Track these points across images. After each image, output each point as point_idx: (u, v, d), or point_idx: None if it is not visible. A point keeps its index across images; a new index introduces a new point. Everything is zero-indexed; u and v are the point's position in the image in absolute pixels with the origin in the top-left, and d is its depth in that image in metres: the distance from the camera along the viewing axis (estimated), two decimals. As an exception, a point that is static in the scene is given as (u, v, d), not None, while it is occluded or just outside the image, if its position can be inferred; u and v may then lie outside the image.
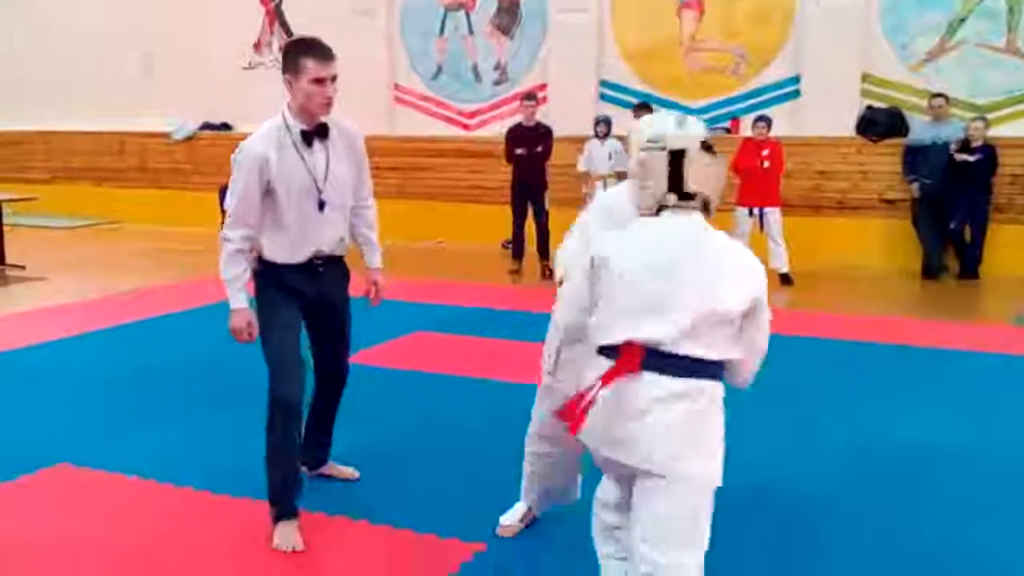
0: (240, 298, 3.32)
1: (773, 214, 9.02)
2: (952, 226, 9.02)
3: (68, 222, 13.01)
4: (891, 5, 9.75)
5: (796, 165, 9.71)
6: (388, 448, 4.31)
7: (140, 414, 4.84)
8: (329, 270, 3.51)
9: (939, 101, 9.04)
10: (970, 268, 9.07)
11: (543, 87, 11.35)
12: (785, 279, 8.93)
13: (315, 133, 3.35)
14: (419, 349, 6.32)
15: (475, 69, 12.07)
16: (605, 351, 2.40)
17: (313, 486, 3.73)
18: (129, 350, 6.28)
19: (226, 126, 13.36)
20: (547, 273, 9.31)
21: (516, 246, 9.59)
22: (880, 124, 9.39)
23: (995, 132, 9.12)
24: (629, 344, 2.33)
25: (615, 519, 2.61)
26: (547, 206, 9.48)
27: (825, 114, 9.72)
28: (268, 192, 3.28)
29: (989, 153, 8.83)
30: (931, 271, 9.08)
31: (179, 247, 11.04)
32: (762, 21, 10.35)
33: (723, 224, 8.96)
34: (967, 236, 9.11)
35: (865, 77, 9.84)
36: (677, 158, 2.39)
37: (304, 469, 3.67)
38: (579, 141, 10.01)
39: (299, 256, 3.40)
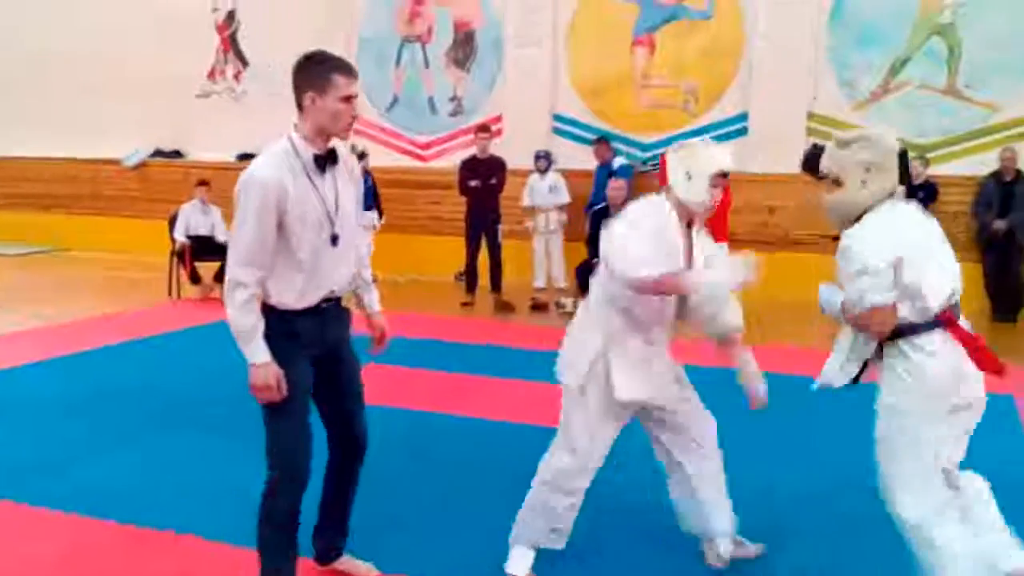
0: (264, 349, 2.86)
1: (722, 249, 9.15)
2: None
3: (17, 249, 12.82)
4: (836, 45, 10.04)
5: (744, 201, 9.91)
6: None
7: (91, 442, 4.80)
8: (337, 314, 3.12)
9: (881, 140, 9.28)
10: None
11: (498, 119, 11.48)
12: (731, 312, 9.08)
13: (327, 158, 2.98)
14: (369, 382, 6.29)
15: (431, 101, 12.18)
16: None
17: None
18: (81, 378, 6.21)
19: (178, 153, 13.30)
20: (499, 306, 9.37)
21: (469, 278, 9.65)
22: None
23: (934, 171, 9.41)
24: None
25: None
26: (500, 239, 9.56)
27: (772, 151, 9.96)
28: (280, 226, 2.87)
29: (930, 191, 9.10)
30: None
31: (131, 275, 10.93)
32: (711, 59, 10.59)
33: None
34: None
35: (811, 116, 10.12)
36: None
37: (313, 561, 3.34)
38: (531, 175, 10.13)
39: (311, 299, 2.98)
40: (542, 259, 9.83)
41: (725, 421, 3.63)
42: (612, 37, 11.01)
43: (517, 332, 8.25)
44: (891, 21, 9.80)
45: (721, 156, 3.30)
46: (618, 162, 9.96)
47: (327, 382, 3.14)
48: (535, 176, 9.98)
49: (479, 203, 9.45)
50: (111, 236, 13.00)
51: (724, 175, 3.31)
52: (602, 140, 10.24)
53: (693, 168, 3.23)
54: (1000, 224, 8.83)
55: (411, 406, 5.61)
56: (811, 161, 4.71)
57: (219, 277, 9.72)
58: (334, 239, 2.98)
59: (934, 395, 2.87)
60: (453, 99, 12.07)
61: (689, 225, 3.37)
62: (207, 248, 9.71)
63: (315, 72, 2.94)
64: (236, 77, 13.07)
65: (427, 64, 12.13)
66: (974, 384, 2.92)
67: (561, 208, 9.86)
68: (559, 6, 11.21)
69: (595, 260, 8.49)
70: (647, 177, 10.57)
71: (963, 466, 3.71)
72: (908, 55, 9.80)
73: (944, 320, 2.89)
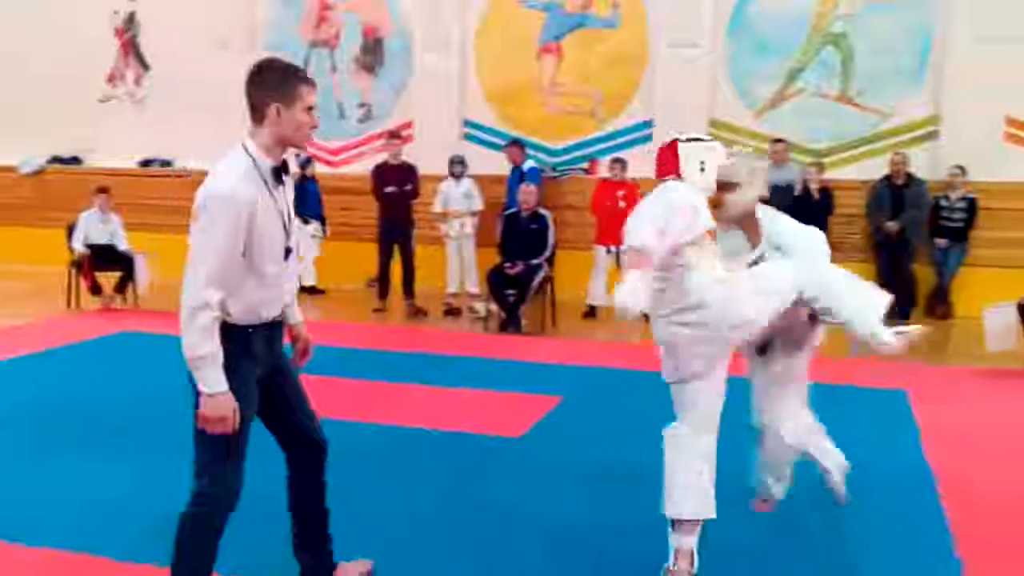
0: (222, 378, 2.71)
1: (630, 252, 9.36)
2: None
3: (-99, 260, 12.20)
4: (736, 54, 10.37)
5: (651, 205, 10.13)
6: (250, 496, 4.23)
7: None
8: (279, 327, 3.04)
9: (779, 146, 9.62)
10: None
11: (408, 125, 11.48)
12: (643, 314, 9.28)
13: (283, 169, 2.90)
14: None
15: (340, 107, 12.09)
16: None
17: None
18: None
19: (76, 160, 12.87)
20: (412, 311, 9.37)
21: (382, 284, 9.61)
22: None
23: (829, 175, 9.81)
24: None
25: None
26: (414, 243, 9.56)
27: (677, 157, 10.20)
28: (246, 242, 2.76)
29: (826, 197, 9.48)
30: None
31: (27, 286, 10.52)
32: (617, 67, 10.81)
33: (581, 262, 9.26)
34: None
35: (712, 123, 10.42)
36: None
37: None
38: (443, 180, 10.15)
39: (268, 314, 2.90)
40: (455, 264, 9.86)
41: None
42: (520, 44, 11.13)
43: (431, 337, 8.27)
44: (786, 31, 10.17)
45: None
46: (528, 165, 10.06)
47: (275, 396, 3.04)
48: (449, 181, 10.01)
49: (393, 209, 9.43)
50: (6, 246, 12.48)
51: None
52: (515, 143, 10.33)
53: (709, 161, 3.37)
54: (892, 225, 9.26)
55: (324, 415, 5.55)
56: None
57: (120, 288, 9.46)
58: (287, 252, 2.92)
59: None
60: (362, 105, 12.01)
61: None
62: (107, 258, 9.43)
63: (279, 82, 2.86)
64: (137, 82, 12.73)
65: (335, 69, 12.05)
66: None
67: (475, 214, 9.91)
68: (467, 13, 11.27)
69: (507, 264, 8.62)
70: (558, 182, 10.74)
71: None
72: (803, 64, 10.19)
73: None
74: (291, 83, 2.84)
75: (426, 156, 10.50)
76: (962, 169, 9.32)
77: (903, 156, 9.51)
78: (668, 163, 3.39)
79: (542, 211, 9.00)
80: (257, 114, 2.85)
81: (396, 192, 9.34)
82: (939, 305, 9.43)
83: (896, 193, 9.44)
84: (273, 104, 2.83)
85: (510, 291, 8.64)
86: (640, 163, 10.38)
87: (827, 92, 10.16)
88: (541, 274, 8.69)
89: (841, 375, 6.87)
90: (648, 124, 10.67)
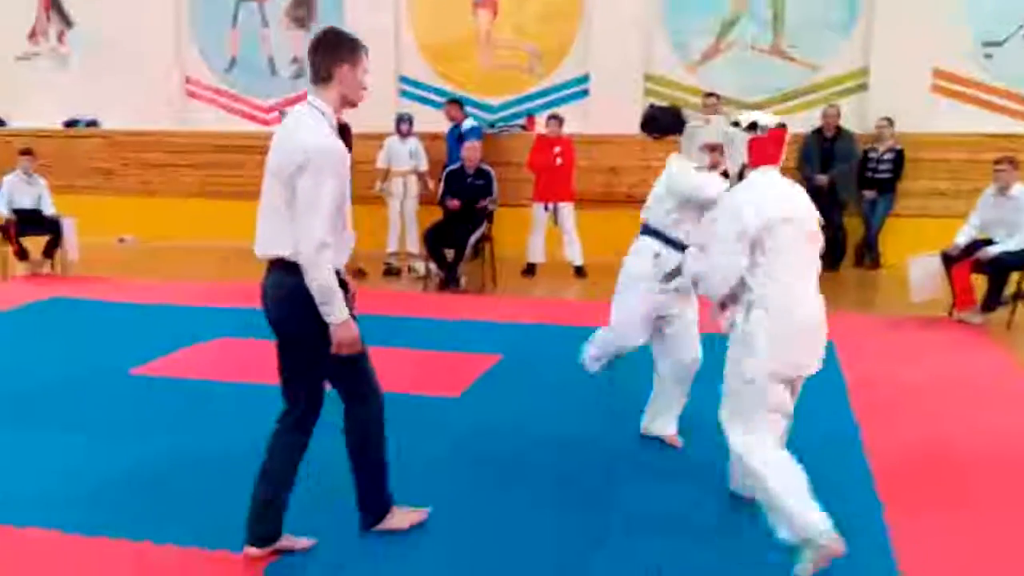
0: (346, 309, 3.09)
1: (566, 208, 9.42)
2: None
3: None
4: (669, 8, 10.38)
5: (587, 161, 10.18)
6: (193, 462, 4.22)
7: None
8: None
9: (711, 100, 9.71)
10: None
11: (342, 82, 11.29)
12: (579, 271, 9.38)
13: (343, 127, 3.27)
14: (223, 356, 6.18)
15: (271, 62, 11.84)
16: None
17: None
18: None
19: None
20: (351, 272, 9.29)
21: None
22: (660, 121, 9.97)
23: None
24: None
25: None
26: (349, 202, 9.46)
27: (613, 112, 10.24)
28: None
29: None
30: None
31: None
32: (552, 21, 10.75)
33: (520, 219, 9.24)
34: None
35: (648, 77, 10.46)
36: None
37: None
38: (379, 138, 10.02)
39: (345, 259, 3.27)
40: (396, 224, 9.77)
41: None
42: (454, -1, 11.00)
43: (370, 298, 8.21)
44: (719, -16, 10.22)
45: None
46: (468, 124, 9.99)
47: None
48: (394, 139, 9.88)
49: (326, 168, 9.30)
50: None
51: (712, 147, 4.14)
52: (454, 101, 10.23)
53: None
54: (822, 179, 9.43)
55: (260, 379, 5.52)
56: (650, 122, 4.94)
57: (48, 252, 9.22)
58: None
59: None
60: (295, 61, 11.77)
61: None
62: (33, 222, 9.17)
63: (347, 46, 3.19)
64: (60, 38, 12.29)
65: (265, 23, 11.77)
66: None
67: (420, 174, 9.82)
68: (400, -35, 11.09)
69: (448, 198, 8.54)
70: (496, 138, 10.69)
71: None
72: (735, 17, 10.25)
73: None
74: (356, 47, 3.21)
75: (360, 113, 10.31)
76: (890, 121, 9.51)
77: (836, 109, 9.67)
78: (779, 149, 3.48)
79: (485, 167, 8.98)
80: (325, 74, 3.17)
81: (327, 150, 9.20)
82: (867, 255, 9.68)
83: (826, 146, 9.61)
84: (344, 65, 3.16)
85: (448, 249, 8.64)
86: (577, 119, 10.43)
87: (760, 45, 10.25)
88: (479, 231, 8.69)
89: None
90: (584, 79, 10.67)
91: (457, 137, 9.78)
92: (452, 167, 9.05)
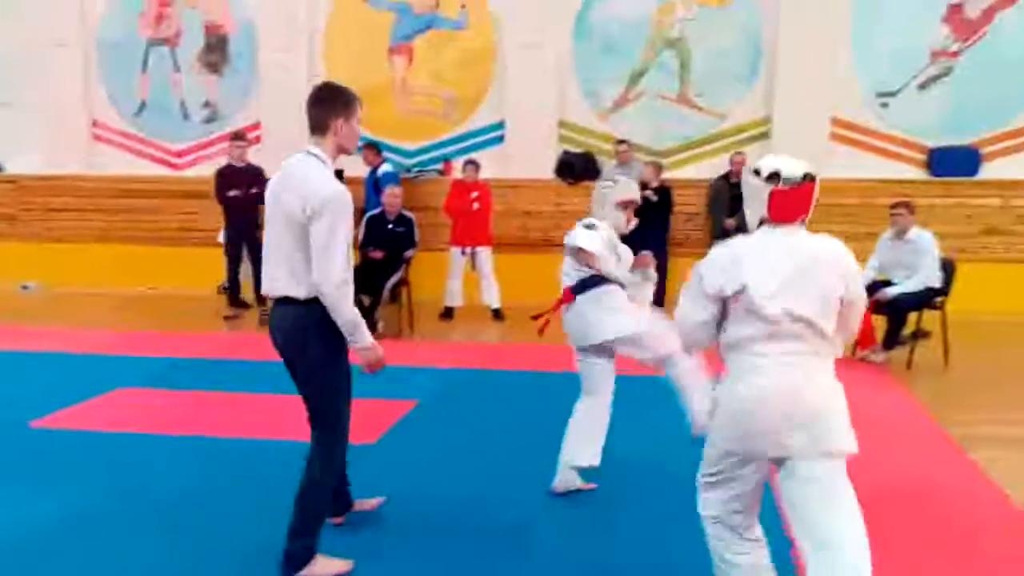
0: (369, 334, 3.43)
1: (484, 252, 9.49)
2: (637, 261, 10.00)
3: None
4: (581, 57, 10.65)
5: (504, 206, 10.30)
6: (87, 519, 4.08)
7: None
8: None
9: (623, 147, 9.95)
10: (657, 299, 10.03)
11: (256, 127, 11.22)
12: (497, 314, 9.43)
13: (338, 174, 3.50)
14: (121, 408, 5.97)
15: (183, 106, 11.69)
16: None
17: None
18: None
19: None
20: (265, 318, 9.15)
21: (232, 291, 9.36)
22: (575, 167, 10.23)
23: (671, 175, 10.22)
24: None
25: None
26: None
27: (528, 158, 10.42)
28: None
29: (665, 194, 9.87)
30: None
31: None
32: (467, 68, 10.91)
33: (437, 263, 9.24)
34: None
35: (562, 123, 10.67)
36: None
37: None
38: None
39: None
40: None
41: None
42: (369, 44, 11.07)
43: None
44: (628, 35, 10.54)
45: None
46: (384, 168, 10.00)
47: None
48: None
49: (240, 213, 9.19)
50: None
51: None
52: (370, 145, 10.24)
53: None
54: (731, 222, 9.72)
55: (175, 431, 5.40)
56: (564, 167, 5.06)
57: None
58: None
59: None
60: (207, 105, 11.65)
61: None
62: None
63: (342, 99, 3.47)
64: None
65: (177, 68, 11.64)
66: None
67: None
68: (314, 12, 11.11)
69: (370, 249, 8.45)
70: (413, 183, 10.73)
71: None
72: (645, 67, 10.58)
73: None
74: (352, 100, 3.49)
75: (276, 158, 10.26)
76: (793, 168, 9.87)
77: (743, 156, 10.00)
78: (806, 204, 2.95)
79: (407, 213, 8.99)
80: (322, 127, 3.45)
81: (241, 196, 9.10)
82: (775, 296, 9.96)
83: (734, 191, 9.90)
84: (339, 119, 3.43)
85: (365, 295, 8.58)
86: (494, 164, 10.56)
87: (668, 94, 10.58)
88: (397, 276, 8.67)
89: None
90: (500, 125, 10.82)
91: (374, 182, 9.78)
92: (373, 213, 8.98)
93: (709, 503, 3.05)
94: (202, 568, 3.59)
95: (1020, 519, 4.15)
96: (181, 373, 6.86)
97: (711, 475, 3.02)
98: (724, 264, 2.91)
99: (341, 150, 3.52)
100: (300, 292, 3.35)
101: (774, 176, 2.90)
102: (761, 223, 2.97)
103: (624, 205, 4.45)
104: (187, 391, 6.33)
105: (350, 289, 3.33)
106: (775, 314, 2.79)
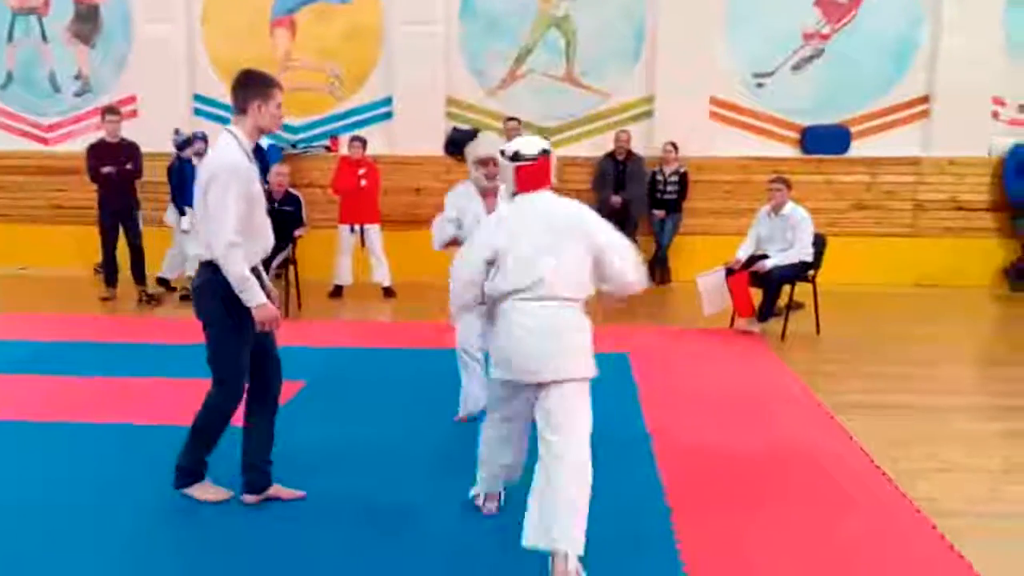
0: (262, 294, 3.73)
1: (373, 230, 9.41)
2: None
3: None
4: (469, 34, 10.63)
5: (393, 183, 10.23)
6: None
7: None
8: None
9: (512, 123, 10.01)
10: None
11: (132, 100, 10.79)
12: (388, 292, 9.39)
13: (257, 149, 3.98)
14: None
15: (52, 78, 11.15)
16: None
17: None
18: None
19: None
20: (143, 298, 8.88)
21: (108, 271, 9.02)
22: (461, 143, 10.18)
23: (557, 153, 10.30)
24: None
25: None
26: (141, 226, 9.03)
27: (416, 134, 10.36)
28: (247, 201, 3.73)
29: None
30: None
31: None
32: (353, 43, 10.75)
33: (325, 241, 9.13)
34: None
35: (449, 100, 10.65)
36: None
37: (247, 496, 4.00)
38: (170, 158, 9.64)
39: (256, 260, 3.84)
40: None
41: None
42: (250, 17, 10.77)
43: (165, 326, 7.90)
44: (514, 14, 10.56)
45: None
46: (266, 144, 9.76)
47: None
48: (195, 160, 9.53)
49: (114, 190, 8.82)
50: None
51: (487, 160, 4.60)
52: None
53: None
54: (616, 199, 9.93)
55: (51, 417, 5.20)
56: (452, 144, 5.07)
57: None
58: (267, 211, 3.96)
59: None
60: (78, 77, 11.14)
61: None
62: None
63: (259, 86, 3.81)
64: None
65: (45, 38, 11.07)
66: None
67: None
68: (191, -19, 10.74)
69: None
70: (299, 159, 10.54)
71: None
72: (531, 46, 10.64)
73: None
74: (269, 86, 3.82)
75: (153, 132, 9.95)
76: (674, 146, 10.16)
77: (627, 134, 10.21)
78: (546, 175, 3.58)
79: (294, 192, 8.82)
80: (240, 109, 3.80)
81: (115, 172, 8.75)
82: (659, 271, 10.26)
83: (618, 168, 10.14)
84: (255, 102, 3.77)
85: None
86: (382, 141, 10.46)
87: (554, 73, 10.68)
88: (283, 255, 8.52)
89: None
90: (388, 101, 10.72)
91: (259, 156, 9.54)
92: (256, 190, 8.78)
93: (491, 421, 3.79)
94: (79, 559, 3.49)
95: (879, 478, 4.42)
96: (57, 357, 6.59)
97: (495, 400, 3.72)
98: (492, 230, 3.53)
99: (260, 130, 3.85)
100: (204, 255, 3.75)
101: (515, 156, 3.51)
102: (514, 195, 3.58)
103: (482, 162, 4.70)
104: (63, 376, 6.09)
105: (239, 251, 3.63)
106: (534, 269, 3.40)
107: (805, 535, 3.77)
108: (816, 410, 5.55)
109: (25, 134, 11.22)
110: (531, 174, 3.51)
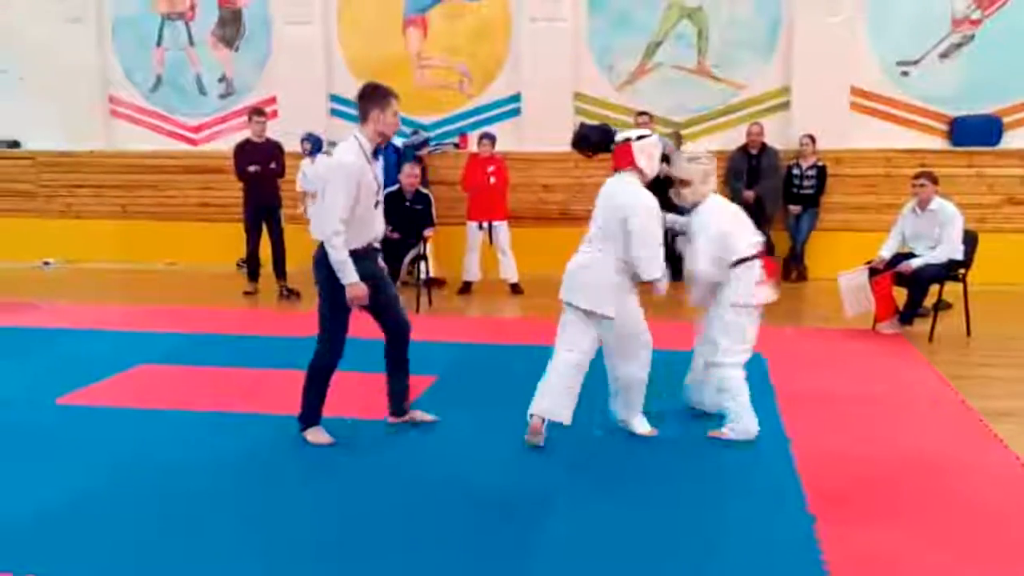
0: (355, 274, 4.42)
1: (501, 227, 9.46)
2: (662, 234, 10.00)
3: None
4: (597, 29, 10.55)
5: (521, 179, 10.26)
6: (114, 494, 4.12)
7: None
8: (375, 253, 4.76)
9: (643, 118, 9.86)
10: (680, 269, 10.05)
11: (272, 100, 11.20)
12: (515, 289, 9.42)
13: (375, 152, 4.63)
14: (144, 384, 6.00)
15: (199, 81, 11.69)
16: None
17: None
18: None
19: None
20: (284, 293, 9.20)
21: (252, 266, 9.40)
22: (592, 140, 10.11)
23: (694, 146, 10.14)
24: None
25: None
26: (283, 224, 9.37)
27: (544, 130, 10.35)
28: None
29: (687, 165, 9.81)
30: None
31: None
32: (482, 41, 10.84)
33: (455, 238, 9.25)
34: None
35: (577, 96, 10.60)
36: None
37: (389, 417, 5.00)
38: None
39: (366, 242, 4.61)
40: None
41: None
42: (384, 17, 11.00)
43: (304, 320, 8.12)
44: (643, 6, 10.41)
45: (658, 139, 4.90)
46: (400, 143, 9.96)
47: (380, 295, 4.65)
48: (306, 160, 9.86)
49: (259, 189, 9.19)
50: None
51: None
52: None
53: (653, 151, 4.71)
54: (749, 194, 9.66)
55: (203, 407, 5.43)
56: (580, 140, 5.04)
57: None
58: (376, 203, 4.63)
59: None
60: (223, 79, 11.64)
61: None
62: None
63: (378, 96, 4.47)
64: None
65: (192, 42, 11.62)
66: None
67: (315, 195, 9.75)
68: (328, -16, 11.05)
69: (389, 228, 8.36)
70: (430, 157, 10.70)
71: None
72: (660, 38, 10.47)
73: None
74: (385, 96, 4.49)
75: (293, 133, 10.30)
76: (812, 138, 9.80)
77: (760, 127, 9.92)
78: (622, 157, 4.68)
79: (424, 190, 8.96)
80: (363, 116, 4.50)
81: (260, 171, 9.10)
82: (794, 269, 9.93)
83: (752, 162, 9.86)
84: (374, 110, 4.46)
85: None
86: (509, 137, 10.51)
87: (685, 65, 10.47)
88: (415, 251, 8.66)
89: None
90: (516, 98, 10.76)
91: (398, 156, 9.77)
92: (390, 189, 8.88)
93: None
94: (230, 540, 3.63)
95: (1043, 493, 4.13)
96: (202, 349, 6.91)
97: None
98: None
99: (380, 135, 4.52)
100: (317, 236, 4.53)
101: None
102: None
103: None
104: (208, 367, 6.37)
105: (341, 239, 4.35)
106: (591, 225, 4.69)
107: (958, 553, 3.55)
108: (967, 415, 5.24)
109: (173, 135, 11.80)
110: (615, 157, 4.71)
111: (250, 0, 11.35)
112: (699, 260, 4.77)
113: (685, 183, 4.83)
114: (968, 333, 7.29)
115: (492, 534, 3.71)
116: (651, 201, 4.56)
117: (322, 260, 4.49)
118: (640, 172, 4.66)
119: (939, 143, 10.00)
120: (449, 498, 4.06)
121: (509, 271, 9.45)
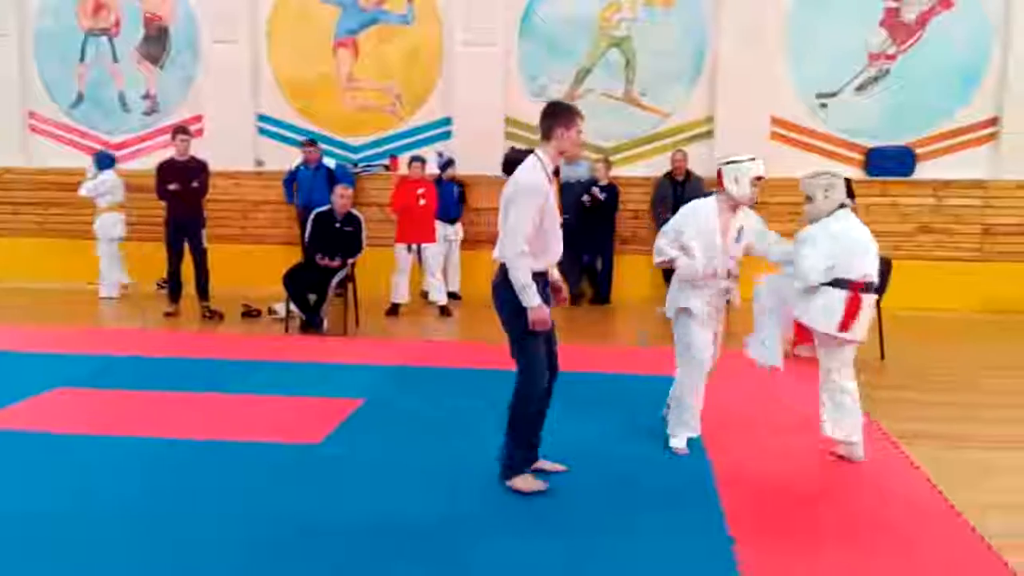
0: (539, 298, 4.16)
1: (430, 249, 9.47)
2: (586, 259, 10.13)
3: None
4: (527, 55, 10.69)
5: (452, 202, 10.28)
6: (34, 521, 3.99)
7: None
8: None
9: (572, 144, 10.00)
10: (603, 295, 10.20)
11: (198, 119, 11.04)
12: (444, 311, 9.42)
13: (557, 171, 4.46)
14: (60, 408, 5.83)
15: (122, 98, 11.47)
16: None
17: None
18: None
19: None
20: (207, 314, 9.04)
21: (173, 286, 9.21)
22: (519, 164, 10.23)
23: (617, 172, 10.32)
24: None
25: None
26: (205, 243, 9.21)
27: (475, 154, 10.41)
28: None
29: (613, 191, 9.97)
30: (571, 299, 10.06)
31: None
32: (414, 64, 10.88)
33: (383, 259, 9.21)
34: (599, 266, 10.24)
35: (508, 120, 10.70)
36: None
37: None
38: (236, 176, 9.84)
39: (547, 265, 4.37)
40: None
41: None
42: (314, 37, 10.97)
43: (227, 342, 8.02)
44: (574, 34, 10.61)
45: (757, 166, 5.01)
46: (332, 164, 9.92)
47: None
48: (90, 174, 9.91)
49: (180, 207, 9.03)
50: None
51: (759, 178, 5.00)
52: (311, 141, 10.21)
53: (739, 175, 4.94)
54: (673, 219, 9.83)
55: (121, 432, 5.29)
56: (510, 164, 5.11)
57: None
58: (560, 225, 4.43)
59: None
60: (147, 97, 11.44)
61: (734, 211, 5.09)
62: None
63: (563, 115, 4.31)
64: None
65: (116, 59, 11.41)
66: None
67: None
68: (255, 3, 10.97)
69: (318, 256, 8.32)
70: (358, 179, 10.66)
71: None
72: (590, 65, 10.65)
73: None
74: (570, 116, 4.31)
75: (219, 151, 10.17)
76: (735, 166, 10.04)
77: (683, 154, 10.13)
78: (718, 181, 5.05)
79: (355, 212, 8.89)
80: (546, 135, 4.33)
81: (181, 190, 8.94)
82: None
83: (677, 190, 10.05)
84: (559, 128, 4.27)
85: (311, 293, 8.49)
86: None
87: (614, 93, 10.66)
88: (342, 273, 8.60)
89: (624, 365, 7.30)
90: (447, 121, 10.81)
91: (326, 177, 9.71)
92: (320, 210, 8.79)
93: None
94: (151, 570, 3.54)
95: (947, 511, 4.28)
96: (121, 371, 6.73)
97: None
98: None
99: (561, 154, 4.37)
100: (499, 257, 4.26)
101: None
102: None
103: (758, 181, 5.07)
104: (127, 390, 6.21)
105: (526, 260, 4.11)
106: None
107: (871, 570, 3.66)
108: (880, 438, 5.41)
109: (95, 152, 11.52)
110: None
111: (177, 18, 11.21)
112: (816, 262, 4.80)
113: (808, 199, 4.97)
114: (882, 357, 7.53)
115: (413, 561, 3.69)
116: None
117: (503, 283, 4.24)
118: (728, 195, 4.98)
119: (855, 173, 10.35)
120: (368, 524, 4.03)
121: (438, 293, 9.44)
